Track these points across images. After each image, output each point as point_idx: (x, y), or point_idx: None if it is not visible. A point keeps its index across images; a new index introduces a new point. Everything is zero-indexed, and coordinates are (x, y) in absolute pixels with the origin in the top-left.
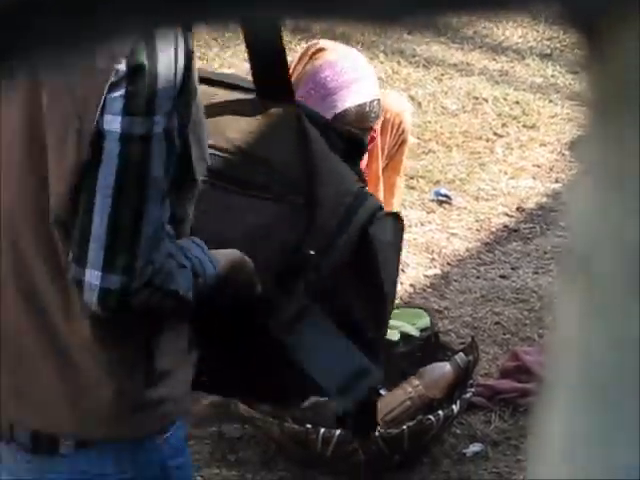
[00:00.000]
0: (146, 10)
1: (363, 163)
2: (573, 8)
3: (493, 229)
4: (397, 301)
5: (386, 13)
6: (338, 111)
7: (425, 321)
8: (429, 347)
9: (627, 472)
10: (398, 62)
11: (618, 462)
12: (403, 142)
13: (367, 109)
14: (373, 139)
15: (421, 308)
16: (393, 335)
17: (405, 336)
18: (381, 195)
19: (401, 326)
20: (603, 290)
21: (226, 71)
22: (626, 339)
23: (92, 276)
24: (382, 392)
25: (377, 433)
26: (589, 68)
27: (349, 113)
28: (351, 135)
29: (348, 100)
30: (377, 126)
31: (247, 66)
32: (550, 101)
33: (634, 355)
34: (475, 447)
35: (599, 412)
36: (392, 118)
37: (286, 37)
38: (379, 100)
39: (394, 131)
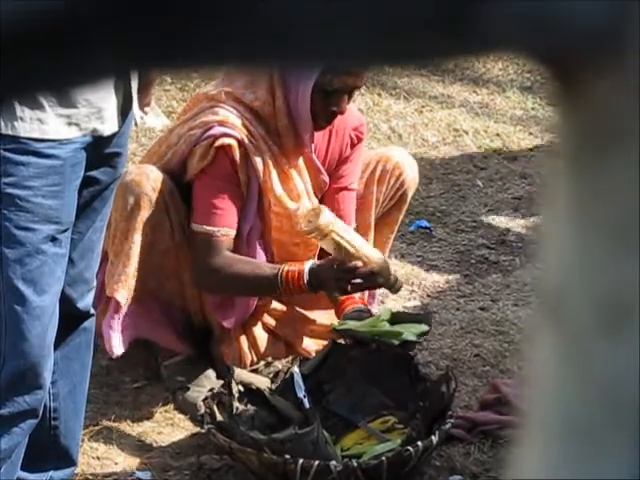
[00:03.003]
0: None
1: (352, 210)
2: (540, 52)
3: (473, 261)
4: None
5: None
6: None
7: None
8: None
9: None
10: (379, 94)
11: None
12: (402, 199)
13: None
14: (360, 140)
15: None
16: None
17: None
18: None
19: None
20: (576, 328)
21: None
22: (599, 378)
23: None
24: (361, 425)
25: (355, 464)
26: (563, 107)
27: None
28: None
29: None
30: (375, 175)
31: None
32: (530, 133)
33: (608, 394)
34: (454, 479)
35: (574, 451)
36: (391, 169)
37: None
38: None
39: (392, 183)
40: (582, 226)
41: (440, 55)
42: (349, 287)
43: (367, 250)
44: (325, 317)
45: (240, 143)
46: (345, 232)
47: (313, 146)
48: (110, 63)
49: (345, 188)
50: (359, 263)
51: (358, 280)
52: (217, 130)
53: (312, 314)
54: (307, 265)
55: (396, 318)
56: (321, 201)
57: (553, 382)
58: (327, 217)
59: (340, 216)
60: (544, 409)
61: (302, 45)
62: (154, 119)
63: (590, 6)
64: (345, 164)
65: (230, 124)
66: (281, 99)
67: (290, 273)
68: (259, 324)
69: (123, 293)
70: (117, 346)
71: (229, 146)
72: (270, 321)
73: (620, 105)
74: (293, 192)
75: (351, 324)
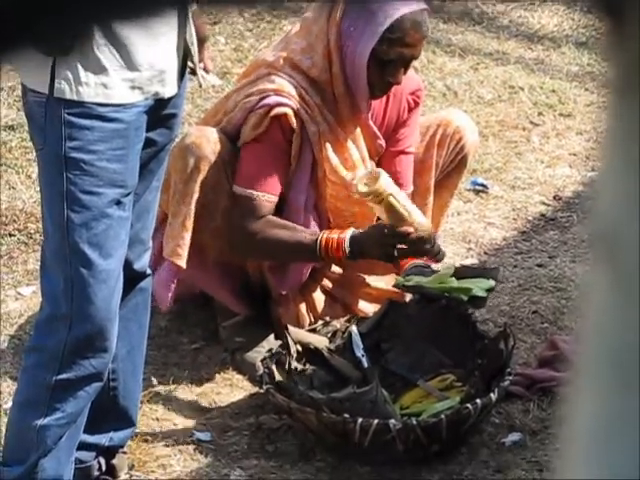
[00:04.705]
0: None
1: (410, 174)
2: None
3: (530, 218)
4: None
5: None
6: (395, 18)
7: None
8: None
9: None
10: (433, 51)
11: None
12: (462, 163)
13: (420, 18)
14: (417, 104)
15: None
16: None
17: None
18: (430, 210)
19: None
20: (631, 273)
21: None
22: None
23: None
24: (419, 383)
25: (414, 422)
26: (618, 52)
27: (405, 19)
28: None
29: (400, 9)
30: (435, 138)
31: None
32: (586, 89)
33: None
34: (514, 436)
35: (628, 391)
36: (452, 133)
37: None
38: (427, 10)
39: (452, 147)
40: (634, 162)
41: None
42: (395, 252)
43: (419, 217)
44: (381, 282)
45: (295, 113)
46: (401, 197)
47: (370, 113)
48: None
49: (402, 152)
50: (410, 229)
51: (405, 246)
52: (272, 99)
53: (368, 278)
54: (348, 233)
55: (460, 273)
56: (378, 164)
57: (608, 324)
58: (385, 181)
59: (397, 179)
60: (598, 352)
61: None
62: (211, 77)
63: None
64: (403, 127)
65: (286, 93)
66: (337, 65)
67: (330, 241)
68: (317, 286)
69: (183, 256)
70: (169, 302)
71: (284, 115)
72: (327, 283)
73: None
74: (348, 161)
75: (418, 280)
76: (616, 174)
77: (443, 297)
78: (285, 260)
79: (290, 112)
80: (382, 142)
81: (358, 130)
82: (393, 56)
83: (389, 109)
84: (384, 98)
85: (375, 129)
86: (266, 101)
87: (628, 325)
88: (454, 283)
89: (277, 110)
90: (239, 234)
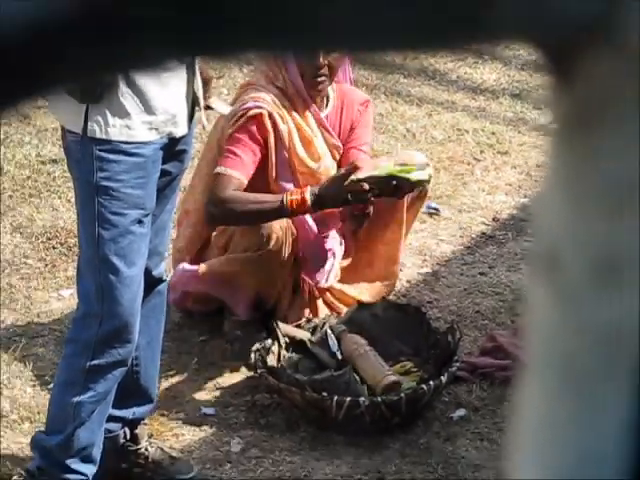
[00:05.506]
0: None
1: (365, 164)
2: (540, 40)
3: (473, 235)
4: (395, 296)
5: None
6: None
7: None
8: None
9: (597, 455)
10: (396, 101)
11: (588, 445)
12: (423, 192)
13: None
14: (367, 108)
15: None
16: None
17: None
18: (403, 238)
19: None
20: (568, 283)
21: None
22: (591, 328)
23: None
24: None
25: (380, 400)
26: (555, 87)
27: None
28: None
29: None
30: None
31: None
32: (519, 132)
33: (600, 344)
34: (460, 412)
35: (569, 397)
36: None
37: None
38: None
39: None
40: (573, 193)
41: (464, 43)
42: (349, 196)
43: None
44: (353, 290)
45: (269, 114)
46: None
47: (325, 117)
48: (166, 52)
49: (356, 147)
50: (365, 186)
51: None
52: (251, 104)
53: (346, 289)
54: (307, 189)
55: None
56: (339, 164)
57: (551, 337)
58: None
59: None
60: (544, 362)
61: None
62: (222, 106)
63: (580, 3)
64: (357, 129)
65: (262, 99)
66: (283, 71)
67: (295, 200)
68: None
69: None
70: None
71: (260, 115)
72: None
73: (604, 84)
74: (315, 154)
75: (369, 173)
76: (555, 201)
77: (392, 178)
78: (256, 220)
79: (265, 113)
80: (337, 142)
81: (316, 127)
82: None
83: (343, 118)
84: (339, 110)
85: (327, 124)
86: (245, 105)
87: (569, 337)
88: (398, 169)
89: (254, 110)
90: (211, 204)
